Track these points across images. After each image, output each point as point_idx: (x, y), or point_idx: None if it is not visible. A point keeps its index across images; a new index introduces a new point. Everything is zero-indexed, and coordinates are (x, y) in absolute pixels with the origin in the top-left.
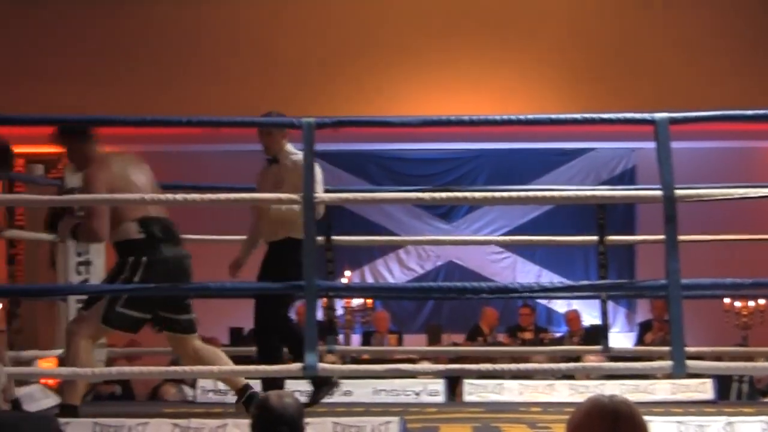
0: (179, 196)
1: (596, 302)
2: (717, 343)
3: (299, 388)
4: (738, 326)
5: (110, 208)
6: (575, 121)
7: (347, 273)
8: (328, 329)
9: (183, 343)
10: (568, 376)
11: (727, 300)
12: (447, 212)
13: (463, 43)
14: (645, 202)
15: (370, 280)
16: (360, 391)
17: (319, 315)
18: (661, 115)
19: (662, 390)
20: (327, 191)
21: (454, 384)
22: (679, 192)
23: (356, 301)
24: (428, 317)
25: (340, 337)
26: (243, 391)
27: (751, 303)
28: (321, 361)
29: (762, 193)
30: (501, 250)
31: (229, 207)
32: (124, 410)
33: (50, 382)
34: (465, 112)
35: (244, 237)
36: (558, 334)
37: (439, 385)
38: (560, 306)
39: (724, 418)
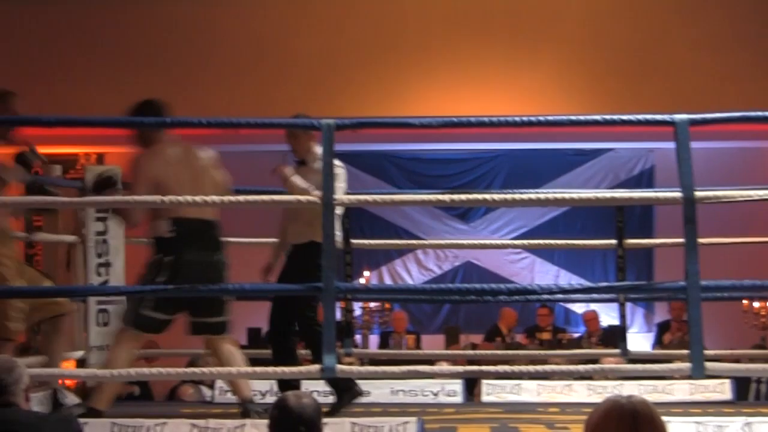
0: (198, 199)
1: (614, 303)
2: (735, 343)
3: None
4: (756, 327)
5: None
6: (595, 123)
7: (366, 273)
8: (346, 331)
9: (213, 345)
10: (586, 376)
11: (745, 300)
12: (465, 212)
13: (480, 44)
14: (664, 204)
15: (388, 280)
16: (378, 391)
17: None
18: (681, 117)
19: (680, 390)
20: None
21: (472, 384)
22: (698, 194)
23: (374, 302)
24: (446, 318)
25: (358, 337)
26: (245, 402)
27: None
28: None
29: None
30: (519, 250)
31: (246, 209)
32: (143, 410)
33: (69, 383)
34: (483, 113)
35: (262, 239)
36: (576, 335)
37: (457, 386)
38: (578, 307)
39: (742, 419)
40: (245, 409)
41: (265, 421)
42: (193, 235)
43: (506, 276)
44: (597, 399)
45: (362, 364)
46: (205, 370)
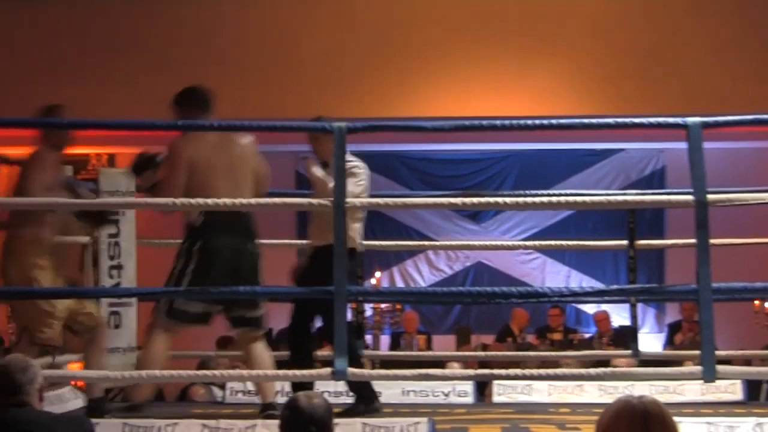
0: (210, 201)
1: (625, 303)
2: (746, 344)
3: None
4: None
5: (185, 185)
6: (607, 126)
7: (377, 274)
8: (357, 332)
9: (246, 342)
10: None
11: (756, 301)
12: (476, 213)
13: (492, 45)
14: (676, 207)
15: (399, 281)
16: (389, 391)
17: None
18: (694, 120)
19: (691, 391)
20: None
21: (483, 385)
22: (711, 197)
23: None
24: (457, 318)
25: (369, 338)
26: (267, 407)
27: None
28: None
29: None
30: (530, 250)
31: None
32: (154, 411)
33: (80, 383)
34: (495, 113)
35: (272, 240)
36: (587, 335)
37: (468, 386)
38: (589, 307)
39: (753, 419)
40: (265, 412)
41: (276, 422)
42: (222, 221)
43: (517, 276)
44: (608, 399)
45: (373, 364)
46: (216, 372)
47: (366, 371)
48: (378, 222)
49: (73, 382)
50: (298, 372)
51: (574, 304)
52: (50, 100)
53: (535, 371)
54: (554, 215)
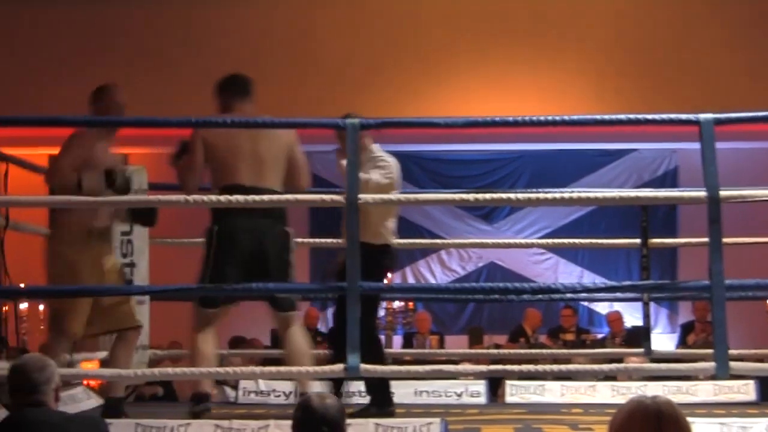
0: (223, 198)
1: (638, 304)
2: (759, 343)
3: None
4: None
5: (208, 167)
6: (620, 122)
7: (389, 274)
8: None
9: (279, 322)
10: (610, 377)
11: None
12: (488, 213)
13: (504, 45)
14: (689, 203)
15: (411, 280)
16: (401, 392)
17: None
18: (706, 116)
19: (704, 391)
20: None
21: (495, 385)
22: (723, 193)
23: (398, 303)
24: (470, 318)
25: (382, 338)
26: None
27: None
28: None
29: None
30: (543, 251)
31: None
32: (167, 411)
33: (92, 383)
34: (507, 113)
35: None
36: (600, 336)
37: (480, 386)
38: (602, 307)
39: (767, 420)
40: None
41: (289, 422)
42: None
43: (530, 277)
44: (621, 400)
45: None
46: (229, 370)
47: (379, 368)
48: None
49: (86, 382)
50: (310, 369)
51: (586, 305)
52: (52, 101)
53: (547, 366)
54: (567, 215)
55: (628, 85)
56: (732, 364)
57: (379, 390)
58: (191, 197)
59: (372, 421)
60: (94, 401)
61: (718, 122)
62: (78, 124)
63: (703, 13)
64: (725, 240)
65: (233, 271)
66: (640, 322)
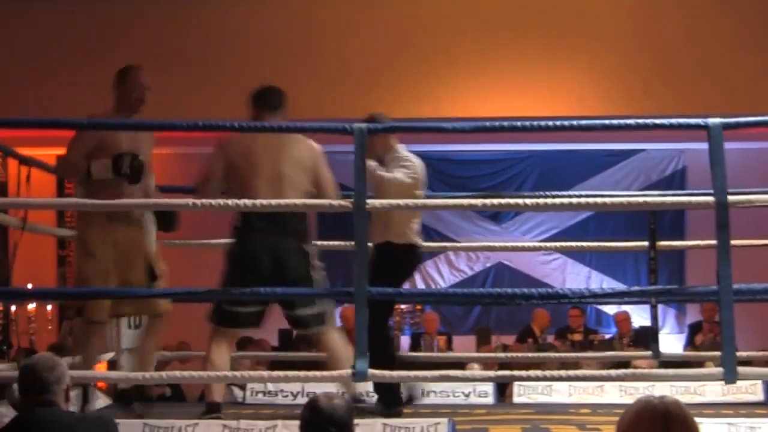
0: (230, 202)
1: (646, 304)
2: (767, 344)
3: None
4: None
5: (231, 186)
6: (628, 127)
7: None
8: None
9: (317, 339)
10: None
11: None
12: (496, 213)
13: (512, 45)
14: (697, 208)
15: (419, 281)
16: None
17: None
18: (715, 120)
19: (712, 392)
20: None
21: (503, 385)
22: (732, 198)
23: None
24: (477, 319)
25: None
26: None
27: None
28: None
29: None
30: (551, 251)
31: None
32: (174, 411)
33: (100, 384)
34: (517, 113)
35: None
36: (608, 336)
37: (488, 387)
38: (610, 308)
39: None
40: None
41: (297, 422)
42: (259, 222)
43: (538, 277)
44: (629, 400)
45: None
46: (237, 373)
47: (386, 372)
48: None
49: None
50: (318, 373)
51: (594, 305)
52: (55, 101)
53: (555, 372)
54: (575, 216)
55: (638, 85)
56: (740, 369)
57: (387, 389)
58: (198, 201)
59: (380, 421)
60: (102, 401)
61: (727, 127)
62: (80, 127)
63: (715, 13)
64: (734, 242)
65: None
66: (647, 322)
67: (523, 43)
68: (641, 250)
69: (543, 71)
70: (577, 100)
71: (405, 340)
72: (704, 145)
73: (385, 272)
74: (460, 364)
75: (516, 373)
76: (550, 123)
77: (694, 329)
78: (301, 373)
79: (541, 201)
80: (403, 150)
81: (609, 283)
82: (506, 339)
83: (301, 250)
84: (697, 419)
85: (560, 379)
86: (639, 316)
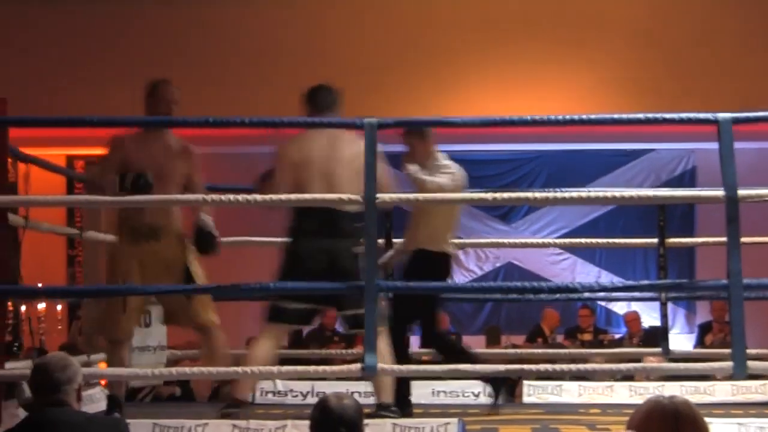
0: (241, 198)
1: (656, 304)
2: None
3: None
4: None
5: (291, 186)
6: (638, 122)
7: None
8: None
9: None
10: (627, 377)
11: None
12: (506, 213)
13: (528, 44)
14: (707, 202)
15: None
16: (419, 392)
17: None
18: (724, 115)
19: (722, 391)
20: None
21: (513, 385)
22: (741, 192)
23: None
24: (487, 318)
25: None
26: (380, 406)
27: None
28: None
29: None
30: (560, 251)
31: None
32: (184, 411)
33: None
34: (527, 113)
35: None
36: (617, 336)
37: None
38: (620, 307)
39: None
40: (377, 412)
41: (306, 422)
42: (312, 222)
43: (547, 277)
44: (638, 400)
45: None
46: (248, 369)
47: (396, 367)
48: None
49: (103, 382)
50: (328, 368)
51: (604, 305)
52: (63, 101)
53: (564, 366)
54: (584, 215)
55: (651, 85)
56: (750, 363)
57: (396, 389)
58: (209, 197)
59: (389, 421)
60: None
61: (737, 121)
62: (84, 125)
63: (725, 11)
64: (744, 239)
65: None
66: (657, 322)
67: (530, 43)
68: (651, 248)
69: (551, 71)
70: (586, 99)
71: (415, 340)
72: (714, 145)
73: (421, 279)
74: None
75: (525, 366)
76: (559, 117)
77: (704, 329)
78: (311, 368)
79: (550, 195)
80: (444, 158)
81: None
82: (516, 339)
83: (352, 252)
84: (706, 419)
85: (570, 374)
86: (649, 316)
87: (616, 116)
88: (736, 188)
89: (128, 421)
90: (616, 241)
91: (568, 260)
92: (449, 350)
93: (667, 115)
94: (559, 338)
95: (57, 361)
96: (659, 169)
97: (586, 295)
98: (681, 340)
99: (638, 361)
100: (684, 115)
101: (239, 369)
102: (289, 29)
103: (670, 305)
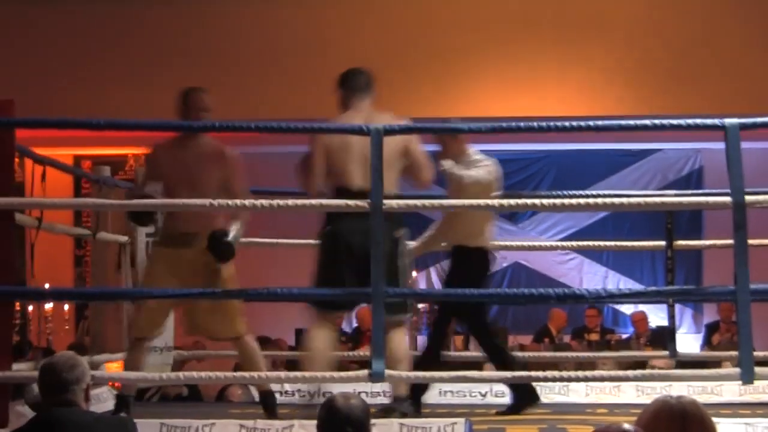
0: (241, 201)
1: (663, 304)
2: None
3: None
4: None
5: (326, 167)
6: (645, 128)
7: (413, 274)
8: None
9: (387, 326)
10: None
11: None
12: (513, 213)
13: (530, 44)
14: (714, 208)
15: (436, 280)
16: (426, 392)
17: None
18: (732, 121)
19: (730, 392)
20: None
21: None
22: (749, 198)
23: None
24: (494, 318)
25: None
26: (396, 399)
27: None
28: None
29: None
30: (567, 251)
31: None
32: (191, 411)
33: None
34: (534, 113)
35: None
36: (624, 336)
37: (505, 387)
38: (627, 307)
39: None
40: (391, 405)
41: (314, 422)
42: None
43: (554, 277)
44: (646, 400)
45: None
46: (254, 374)
47: (403, 373)
48: (414, 221)
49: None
50: (335, 374)
51: (611, 305)
52: (67, 101)
53: (572, 373)
54: (592, 215)
55: (655, 85)
56: (757, 369)
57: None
58: (215, 201)
59: (396, 421)
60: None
61: (744, 127)
62: (92, 128)
63: (733, 11)
64: (751, 242)
65: (344, 272)
66: (664, 322)
67: (538, 42)
68: (658, 249)
69: (559, 71)
70: (594, 99)
71: (422, 340)
72: (721, 145)
73: (461, 276)
74: (477, 364)
75: (533, 373)
76: (567, 123)
77: (711, 329)
78: (319, 374)
79: (557, 201)
80: (476, 153)
81: (626, 283)
82: (523, 339)
83: (390, 235)
84: (714, 419)
85: (577, 379)
86: (656, 316)
87: (623, 123)
88: (743, 194)
89: (135, 420)
90: (623, 243)
91: (576, 260)
92: (492, 350)
93: (674, 121)
94: (566, 338)
95: (65, 361)
96: (666, 168)
97: (594, 301)
98: (688, 340)
99: (645, 361)
100: (691, 121)
101: (247, 374)
102: (290, 29)
103: (677, 305)
